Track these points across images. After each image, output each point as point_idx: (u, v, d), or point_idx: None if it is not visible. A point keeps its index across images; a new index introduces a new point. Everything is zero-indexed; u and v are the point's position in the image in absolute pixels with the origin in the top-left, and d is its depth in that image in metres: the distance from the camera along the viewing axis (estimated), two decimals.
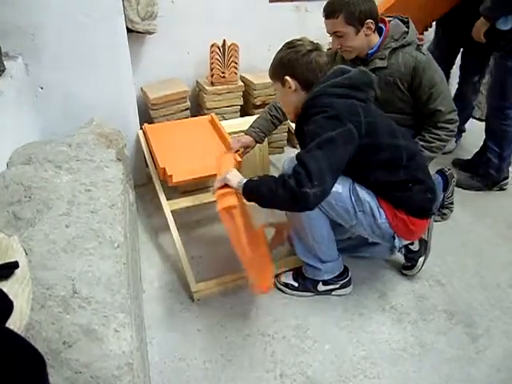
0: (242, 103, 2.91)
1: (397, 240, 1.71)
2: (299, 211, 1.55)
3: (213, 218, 2.31)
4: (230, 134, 2.47)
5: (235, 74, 2.83)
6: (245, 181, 1.53)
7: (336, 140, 1.42)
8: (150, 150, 2.39)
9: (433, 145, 2.01)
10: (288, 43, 1.65)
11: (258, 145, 2.26)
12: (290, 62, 1.60)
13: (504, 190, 2.62)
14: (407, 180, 1.60)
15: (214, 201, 1.69)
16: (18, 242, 1.11)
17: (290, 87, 1.62)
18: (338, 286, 1.87)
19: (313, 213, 1.58)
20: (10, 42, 1.98)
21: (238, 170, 1.67)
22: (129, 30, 2.37)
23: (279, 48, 1.67)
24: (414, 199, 1.62)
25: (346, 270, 1.89)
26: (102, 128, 2.01)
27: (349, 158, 1.47)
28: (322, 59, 1.61)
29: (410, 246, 1.91)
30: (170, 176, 2.10)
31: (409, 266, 1.95)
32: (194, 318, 1.78)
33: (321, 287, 1.87)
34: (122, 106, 2.38)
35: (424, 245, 1.89)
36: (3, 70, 1.83)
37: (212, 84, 2.82)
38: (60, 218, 1.37)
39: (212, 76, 2.79)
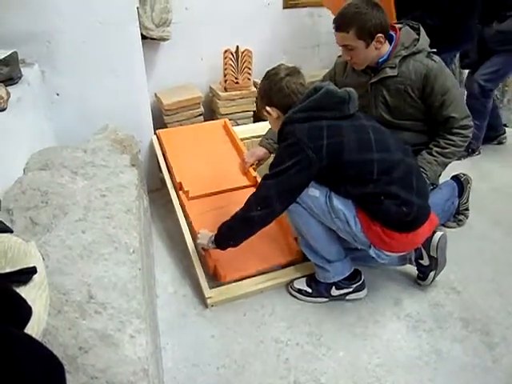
0: (254, 109, 2.92)
1: (372, 250, 1.70)
2: (253, 231, 1.71)
3: None
4: (242, 139, 2.49)
5: (248, 79, 2.84)
6: (213, 238, 1.80)
7: (289, 170, 1.57)
8: (164, 156, 2.41)
9: (447, 150, 1.99)
10: (265, 74, 1.76)
11: (272, 155, 2.26)
12: (266, 92, 1.73)
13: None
14: (378, 193, 1.59)
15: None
16: (35, 247, 1.12)
17: (274, 114, 1.73)
18: (351, 289, 1.86)
19: (301, 212, 1.71)
20: (27, 49, 2.01)
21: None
22: (143, 37, 2.40)
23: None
24: (387, 212, 1.59)
25: (358, 273, 1.88)
26: (116, 134, 2.03)
27: (307, 180, 1.63)
28: (295, 83, 1.68)
29: (420, 261, 1.88)
30: (187, 192, 2.16)
31: (421, 277, 1.94)
32: (208, 323, 1.78)
33: (334, 291, 1.86)
34: (137, 112, 2.40)
35: (434, 261, 1.85)
36: (20, 77, 1.86)
37: (225, 90, 2.83)
38: (76, 223, 1.38)
39: (225, 82, 2.81)
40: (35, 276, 0.99)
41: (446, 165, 2.05)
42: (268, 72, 1.75)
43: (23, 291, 0.93)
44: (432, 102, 1.96)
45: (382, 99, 2.04)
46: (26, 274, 0.98)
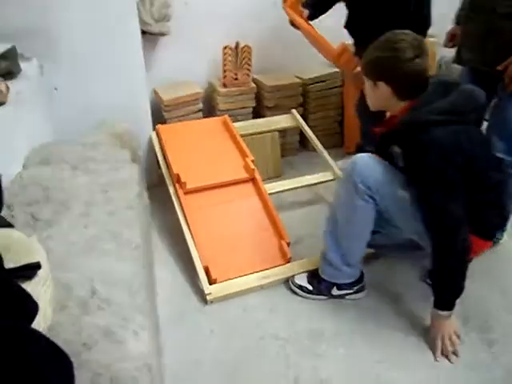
0: (254, 105, 2.91)
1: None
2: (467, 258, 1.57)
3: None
4: (242, 136, 2.48)
5: (248, 75, 2.83)
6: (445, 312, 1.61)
7: (449, 188, 1.45)
8: (163, 152, 2.40)
9: None
10: (390, 42, 1.47)
11: (269, 143, 2.21)
12: (388, 67, 1.47)
13: None
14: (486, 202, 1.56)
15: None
16: (37, 242, 1.11)
17: (382, 92, 1.52)
18: (352, 291, 1.85)
19: (368, 208, 1.60)
20: (25, 43, 1.98)
21: None
22: (143, 32, 2.38)
23: (379, 40, 1.50)
24: (487, 220, 1.58)
25: (361, 275, 1.87)
26: (115, 129, 2.03)
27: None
28: (424, 66, 1.46)
29: None
30: (184, 183, 2.14)
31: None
32: (208, 320, 1.78)
33: (335, 291, 1.85)
34: (136, 108, 2.39)
35: None
36: (19, 72, 1.85)
37: (225, 86, 2.82)
38: (78, 218, 1.37)
39: (225, 78, 2.79)
40: (40, 271, 0.99)
41: None
42: (395, 42, 1.45)
43: (28, 286, 0.92)
44: None
45: None
46: (30, 269, 0.97)
